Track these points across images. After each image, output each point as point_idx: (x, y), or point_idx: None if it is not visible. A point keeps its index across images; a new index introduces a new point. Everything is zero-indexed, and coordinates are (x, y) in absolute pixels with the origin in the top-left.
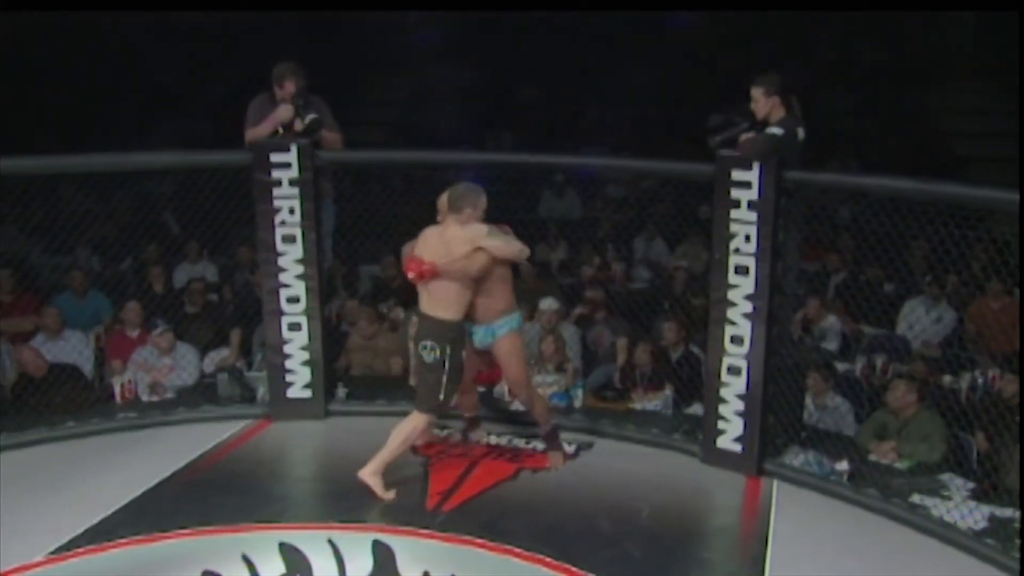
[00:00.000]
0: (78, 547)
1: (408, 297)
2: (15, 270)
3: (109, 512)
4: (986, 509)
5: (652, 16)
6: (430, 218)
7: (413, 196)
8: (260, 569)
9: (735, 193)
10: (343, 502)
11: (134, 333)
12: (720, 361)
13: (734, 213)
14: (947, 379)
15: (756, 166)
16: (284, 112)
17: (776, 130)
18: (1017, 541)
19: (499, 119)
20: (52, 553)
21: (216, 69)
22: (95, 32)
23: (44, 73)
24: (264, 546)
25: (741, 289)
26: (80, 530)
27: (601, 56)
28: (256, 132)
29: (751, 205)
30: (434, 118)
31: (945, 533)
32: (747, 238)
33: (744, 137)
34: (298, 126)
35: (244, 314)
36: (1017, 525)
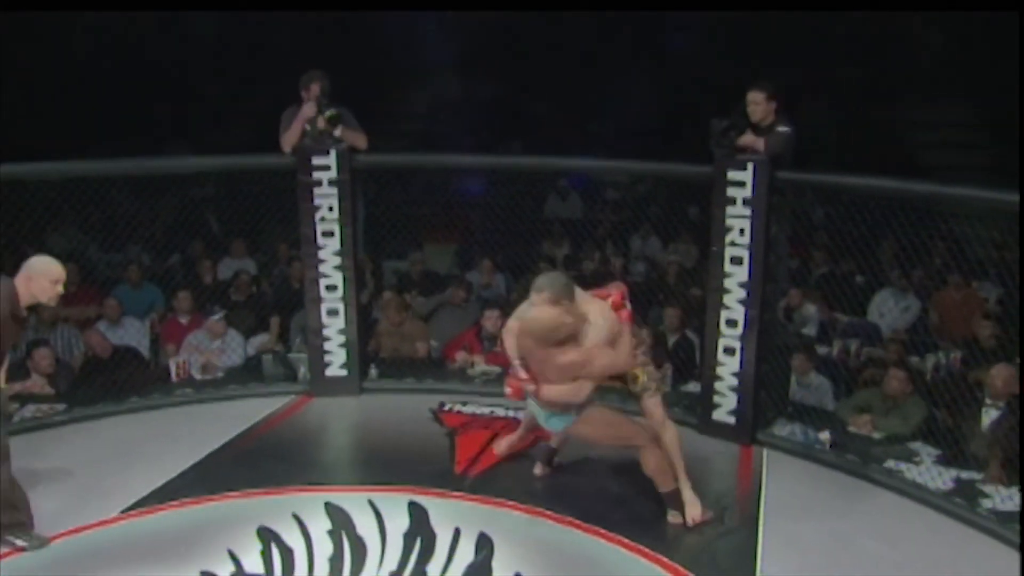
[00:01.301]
0: (148, 506)
1: (430, 288)
2: (78, 265)
3: (173, 476)
4: (952, 473)
5: (651, 38)
6: (444, 219)
7: (430, 199)
8: (309, 526)
9: (731, 191)
10: (379, 468)
11: (185, 319)
12: (716, 342)
13: (730, 209)
14: (914, 360)
15: (750, 167)
16: (308, 109)
17: (784, 128)
18: (981, 500)
19: (510, 130)
20: (125, 510)
21: (250, 83)
22: (138, 43)
23: (87, 78)
24: (311, 506)
25: (736, 278)
26: (149, 491)
27: (604, 74)
28: (288, 135)
29: (746, 202)
30: (450, 130)
31: (917, 493)
32: (741, 232)
33: (746, 140)
34: (321, 123)
35: (281, 303)
36: (979, 486)
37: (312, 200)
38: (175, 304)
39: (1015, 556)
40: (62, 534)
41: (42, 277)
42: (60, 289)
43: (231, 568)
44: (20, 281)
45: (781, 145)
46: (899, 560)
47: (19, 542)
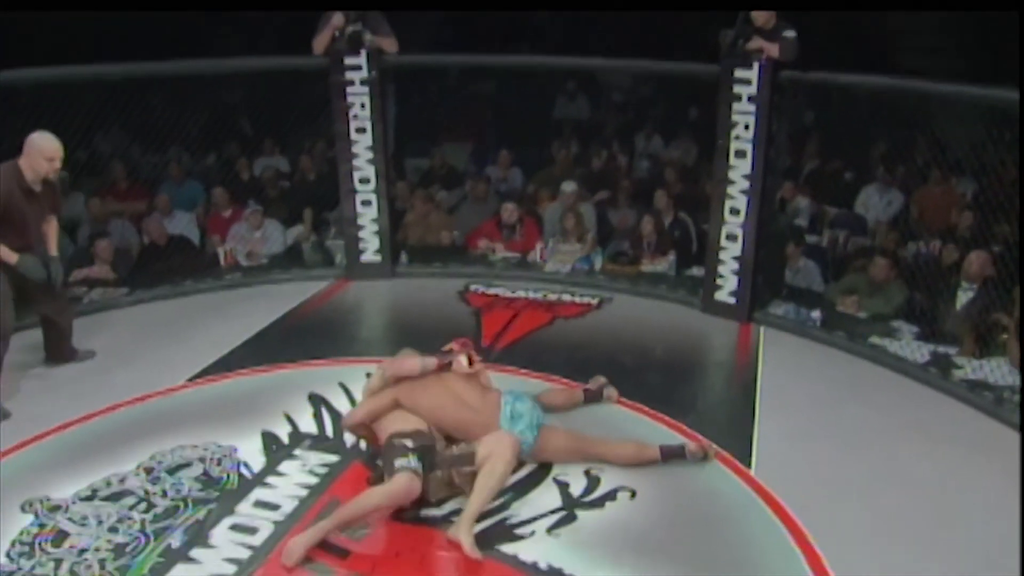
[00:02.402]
0: (209, 375)
1: (451, 183)
2: (124, 164)
3: (230, 349)
4: (929, 347)
5: None
6: (464, 121)
7: (447, 102)
8: (354, 392)
9: (737, 89)
10: (413, 343)
11: (226, 213)
12: (720, 229)
13: (736, 106)
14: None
15: (755, 66)
16: (337, 18)
17: (791, 33)
18: (954, 371)
19: (517, 36)
20: (190, 379)
21: None
22: None
23: None
24: (355, 375)
25: (739, 170)
26: (210, 362)
27: None
28: (319, 40)
29: (750, 99)
30: (460, 36)
31: (897, 365)
32: (746, 127)
33: (755, 45)
34: (348, 30)
35: (314, 197)
36: (954, 359)
37: (345, 99)
38: (214, 200)
39: (984, 419)
40: (136, 400)
41: (37, 154)
42: (57, 165)
43: (288, 428)
44: (22, 160)
45: (794, 51)
46: (881, 421)
47: None
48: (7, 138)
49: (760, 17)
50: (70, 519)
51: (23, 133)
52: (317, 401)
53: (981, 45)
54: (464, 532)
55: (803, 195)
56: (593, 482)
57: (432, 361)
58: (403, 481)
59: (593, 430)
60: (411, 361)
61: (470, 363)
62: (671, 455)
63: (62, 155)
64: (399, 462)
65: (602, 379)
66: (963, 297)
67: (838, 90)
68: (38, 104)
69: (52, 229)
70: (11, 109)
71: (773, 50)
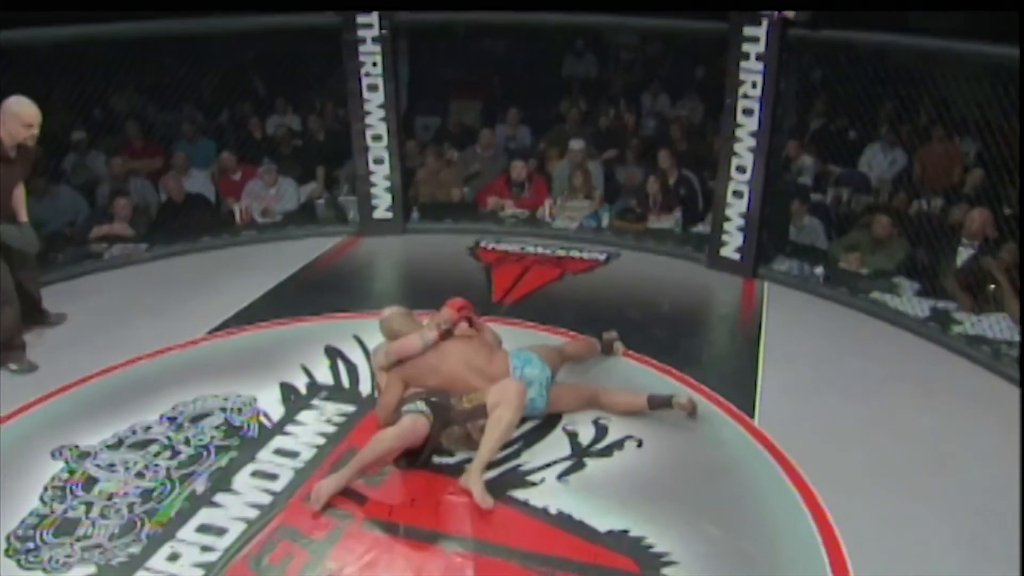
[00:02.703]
0: (228, 328)
1: (462, 141)
2: (139, 123)
3: (248, 303)
4: (929, 302)
5: None
6: (473, 79)
7: (457, 59)
8: (368, 344)
9: (746, 47)
10: (426, 297)
11: (236, 176)
12: (726, 186)
13: (744, 64)
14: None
15: (764, 24)
16: None
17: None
18: (953, 326)
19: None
20: (210, 331)
21: None
22: None
23: None
24: (369, 328)
25: (746, 128)
26: (228, 316)
27: None
28: None
29: (759, 57)
30: None
31: (898, 320)
32: (754, 85)
33: None
34: None
35: (326, 155)
36: (953, 314)
37: (357, 56)
38: (223, 164)
39: (981, 372)
40: (160, 351)
41: (14, 120)
42: (35, 131)
43: (305, 380)
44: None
45: (808, 14)
46: (881, 374)
47: (13, 367)
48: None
49: None
50: (98, 466)
51: (40, 91)
52: (333, 353)
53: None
54: (474, 481)
55: (808, 153)
56: (601, 431)
57: (431, 335)
58: (408, 420)
59: (601, 381)
60: (411, 341)
61: (470, 325)
62: (658, 404)
63: (40, 121)
64: (406, 407)
65: (614, 333)
66: (964, 254)
67: (845, 48)
68: (55, 63)
69: (20, 195)
70: (28, 68)
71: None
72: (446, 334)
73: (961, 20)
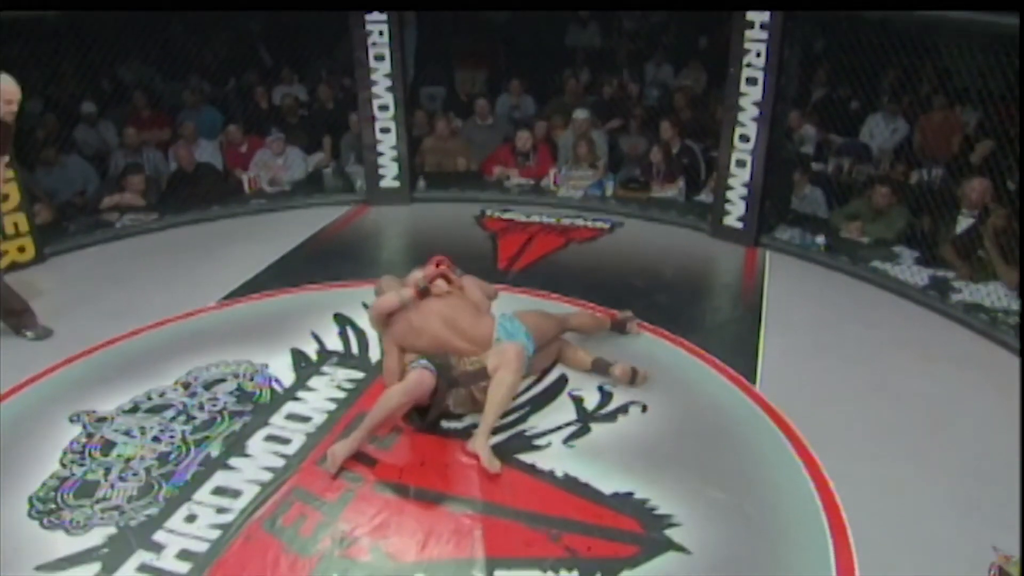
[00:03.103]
0: (239, 296)
1: (464, 111)
2: (146, 94)
3: (258, 271)
4: (928, 271)
5: None
6: (478, 48)
7: (463, 29)
8: None
9: (750, 16)
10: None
11: (242, 148)
12: (730, 156)
13: (748, 33)
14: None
15: None
16: None
17: None
18: (952, 294)
19: None
20: (221, 300)
21: None
22: None
23: None
24: None
25: (750, 97)
26: (239, 284)
27: None
28: None
29: (763, 26)
30: None
31: (898, 288)
32: (758, 55)
33: None
34: None
35: (329, 124)
36: (952, 283)
37: (364, 26)
38: (229, 137)
39: (978, 339)
40: (172, 319)
41: None
42: (14, 108)
43: (315, 346)
44: None
45: None
46: (880, 340)
47: (29, 334)
48: (34, 67)
49: None
50: (115, 430)
51: (49, 62)
52: (342, 320)
53: None
54: (481, 445)
55: (810, 123)
56: (606, 397)
57: (408, 292)
58: (414, 374)
59: (605, 345)
60: (388, 298)
61: (448, 282)
62: (599, 368)
63: (19, 97)
64: (411, 364)
65: (629, 312)
66: (964, 224)
67: (848, 17)
68: (64, 33)
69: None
70: (39, 37)
71: None
72: (423, 292)
73: None
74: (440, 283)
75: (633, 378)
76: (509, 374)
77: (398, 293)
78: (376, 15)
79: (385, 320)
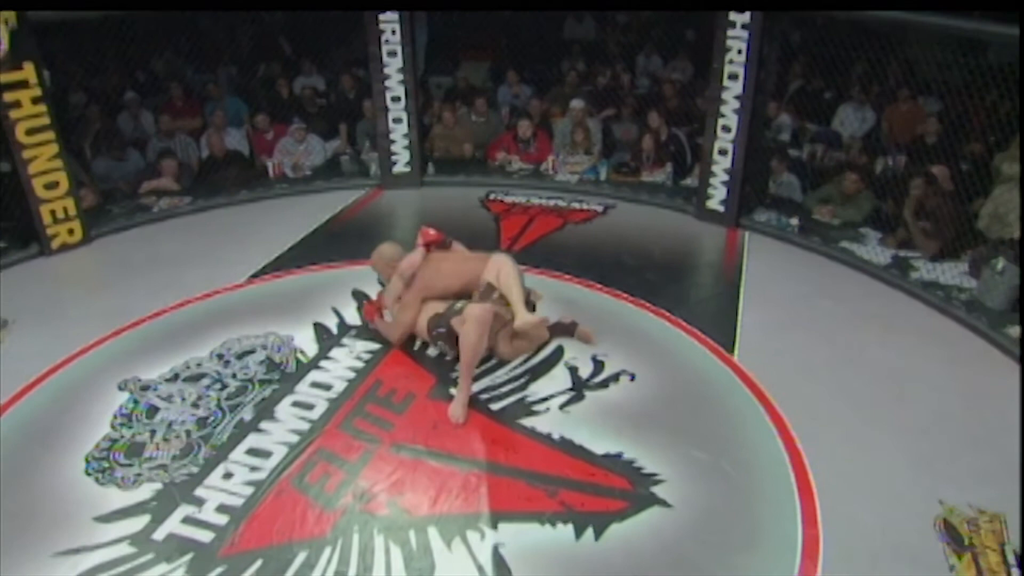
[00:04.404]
0: (266, 274)
1: (470, 102)
2: (180, 84)
3: (283, 251)
4: (891, 251)
5: None
6: (484, 41)
7: (469, 22)
8: None
9: (732, 16)
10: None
11: (269, 135)
12: (713, 144)
13: (730, 31)
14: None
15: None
16: None
17: None
18: (911, 272)
19: None
20: (251, 277)
21: None
22: None
23: None
24: None
25: (732, 90)
26: (266, 262)
27: None
28: None
29: (744, 26)
30: None
31: (863, 266)
32: (739, 51)
33: None
34: None
35: (346, 112)
36: (912, 262)
37: (378, 24)
38: (257, 125)
39: (934, 313)
40: (205, 296)
41: None
42: None
43: (336, 320)
44: None
45: None
46: (847, 314)
47: None
48: (75, 61)
49: None
50: (159, 396)
51: (90, 57)
52: (360, 296)
53: None
54: (457, 405)
55: (787, 112)
56: (599, 367)
57: (420, 251)
58: (475, 310)
59: (590, 320)
60: (412, 255)
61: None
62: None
63: None
64: (454, 311)
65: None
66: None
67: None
68: (105, 30)
69: None
70: (79, 34)
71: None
72: (428, 246)
73: None
74: (432, 232)
75: (574, 331)
76: (470, 333)
77: (415, 251)
78: (389, 14)
79: (410, 276)
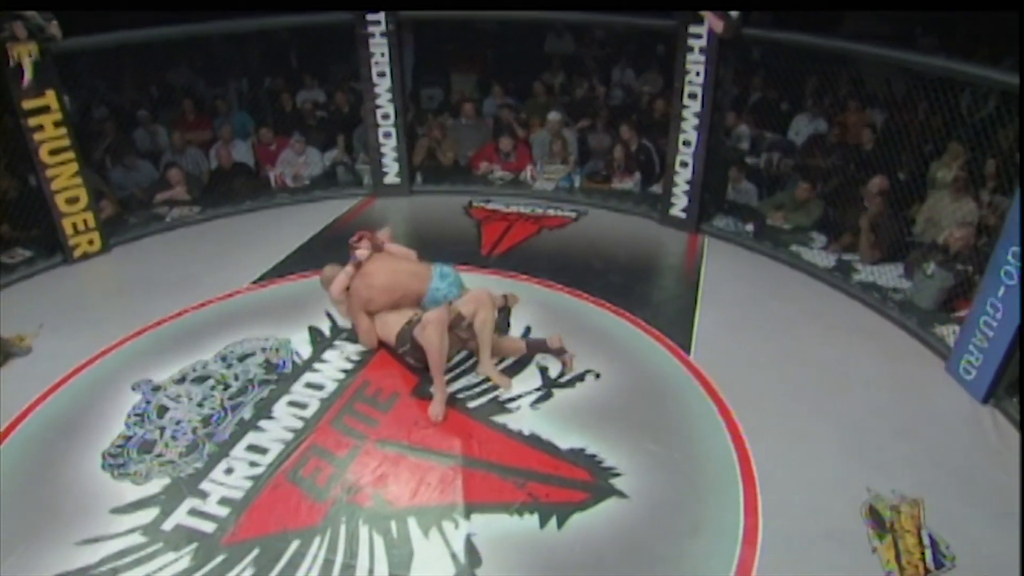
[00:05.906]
0: (267, 279)
1: (459, 111)
2: (192, 98)
3: (284, 256)
4: (835, 255)
5: None
6: (472, 54)
7: (457, 36)
8: None
9: (691, 41)
10: (428, 250)
11: (272, 147)
12: (675, 157)
13: (690, 56)
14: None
15: (705, 22)
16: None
17: (735, 13)
18: (853, 275)
19: None
20: (253, 282)
21: None
22: None
23: None
24: None
25: (691, 108)
26: (268, 268)
27: None
28: None
29: (701, 50)
30: None
31: (810, 269)
32: (697, 73)
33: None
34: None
35: (343, 123)
36: (854, 265)
37: (368, 47)
38: (262, 138)
39: (871, 313)
40: (212, 300)
41: None
42: None
43: (329, 324)
44: None
45: (736, 31)
46: (793, 314)
47: None
48: (96, 77)
49: None
50: (168, 396)
51: (110, 73)
52: None
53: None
54: (436, 404)
55: (745, 123)
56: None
57: (349, 269)
58: (431, 315)
59: (560, 322)
60: (339, 278)
61: (371, 243)
62: (536, 348)
63: None
64: (415, 320)
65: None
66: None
67: (771, 44)
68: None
69: None
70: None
71: (718, 26)
72: (358, 264)
73: (888, 26)
74: (364, 243)
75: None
76: (488, 311)
77: (343, 271)
78: (378, 39)
79: (345, 294)
